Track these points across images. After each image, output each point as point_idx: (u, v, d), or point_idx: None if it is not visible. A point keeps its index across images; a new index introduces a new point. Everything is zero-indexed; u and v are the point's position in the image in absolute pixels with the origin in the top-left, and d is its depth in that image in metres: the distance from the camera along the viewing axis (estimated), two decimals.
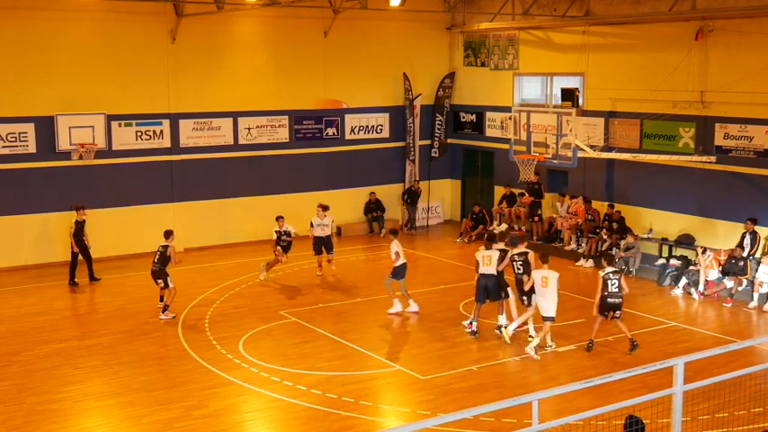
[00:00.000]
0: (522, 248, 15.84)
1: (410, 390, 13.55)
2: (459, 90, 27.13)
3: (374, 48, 25.76)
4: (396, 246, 17.03)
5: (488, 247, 15.92)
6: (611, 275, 14.82)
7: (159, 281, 17.38)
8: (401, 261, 16.95)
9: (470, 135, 26.97)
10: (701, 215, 20.47)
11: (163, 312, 17.22)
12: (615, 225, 21.44)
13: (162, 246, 17.33)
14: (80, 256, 19.95)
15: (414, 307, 17.42)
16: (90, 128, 21.65)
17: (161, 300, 17.57)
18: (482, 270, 15.74)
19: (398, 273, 17.09)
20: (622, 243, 21.02)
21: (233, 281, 20.13)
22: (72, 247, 19.85)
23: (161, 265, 17.25)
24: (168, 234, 17.57)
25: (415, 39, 26.46)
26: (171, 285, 17.33)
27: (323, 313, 17.57)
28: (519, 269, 15.55)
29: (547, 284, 14.72)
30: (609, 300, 14.87)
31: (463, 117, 27.15)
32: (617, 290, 14.87)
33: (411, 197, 26.03)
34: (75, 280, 19.96)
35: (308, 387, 13.44)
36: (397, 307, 17.34)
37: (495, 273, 15.64)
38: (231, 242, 23.82)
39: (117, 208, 22.49)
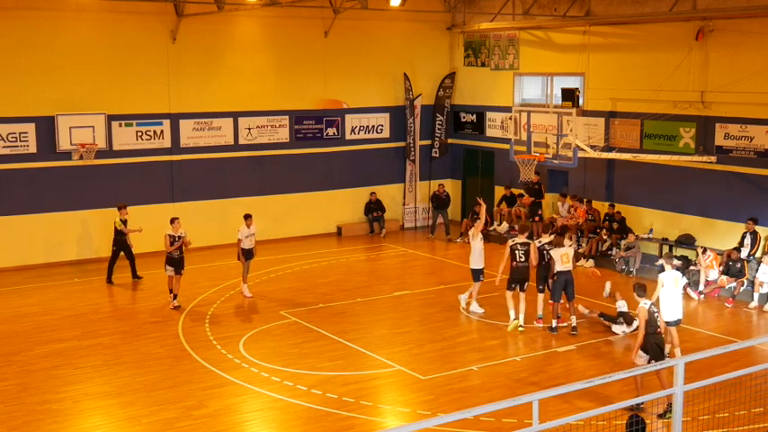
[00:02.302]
0: (523, 239, 16.47)
1: (410, 390, 13.54)
2: (459, 90, 27.12)
3: (374, 48, 25.76)
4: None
5: (563, 245, 16.14)
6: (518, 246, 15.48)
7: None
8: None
9: (471, 135, 26.97)
10: (702, 215, 20.46)
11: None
12: (616, 225, 21.46)
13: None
14: (122, 254, 20.09)
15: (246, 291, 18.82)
16: (90, 128, 21.65)
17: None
18: (561, 268, 15.90)
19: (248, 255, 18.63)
20: (623, 243, 21.03)
21: (233, 281, 20.09)
22: (113, 246, 19.95)
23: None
24: (174, 221, 18.49)
25: (415, 39, 26.45)
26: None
27: (323, 313, 17.57)
28: (521, 257, 16.18)
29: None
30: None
31: (463, 117, 27.15)
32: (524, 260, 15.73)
33: (437, 202, 25.58)
34: (112, 279, 20.11)
35: (308, 387, 13.44)
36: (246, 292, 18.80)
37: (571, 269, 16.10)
38: (231, 242, 23.68)
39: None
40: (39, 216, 21.60)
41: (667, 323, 14.11)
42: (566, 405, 11.66)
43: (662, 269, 14.50)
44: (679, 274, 14.49)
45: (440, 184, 25.97)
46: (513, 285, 16.28)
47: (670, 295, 13.97)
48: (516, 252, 16.19)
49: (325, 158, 25.44)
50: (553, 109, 22.51)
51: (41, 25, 21.08)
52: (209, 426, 12.14)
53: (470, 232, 17.65)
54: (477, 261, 17.26)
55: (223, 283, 19.91)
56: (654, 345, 12.38)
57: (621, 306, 16.20)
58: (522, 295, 16.20)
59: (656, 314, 12.67)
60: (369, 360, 14.85)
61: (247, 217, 18.77)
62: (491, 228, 24.86)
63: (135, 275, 20.29)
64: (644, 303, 12.54)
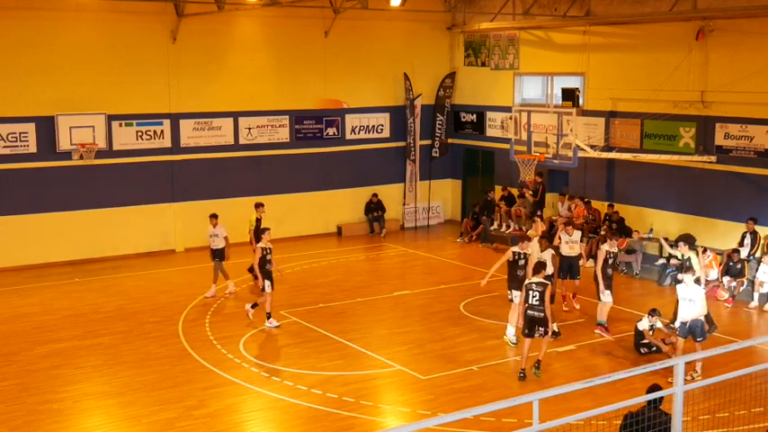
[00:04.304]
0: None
1: (410, 390, 13.55)
2: (459, 90, 27.12)
3: (375, 48, 25.75)
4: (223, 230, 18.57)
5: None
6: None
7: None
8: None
9: (471, 135, 26.97)
10: (702, 215, 20.46)
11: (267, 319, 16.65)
12: (615, 225, 21.45)
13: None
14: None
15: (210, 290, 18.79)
16: (90, 128, 21.65)
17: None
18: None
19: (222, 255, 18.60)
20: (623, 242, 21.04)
21: (233, 281, 20.10)
22: (252, 243, 19.33)
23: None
24: (265, 231, 16.96)
25: (415, 39, 26.45)
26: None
27: (323, 313, 17.56)
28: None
29: None
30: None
31: (464, 117, 27.14)
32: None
33: (488, 208, 24.51)
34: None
35: (308, 387, 13.45)
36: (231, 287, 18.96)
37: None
38: (231, 242, 23.71)
39: (117, 208, 22.49)
40: (39, 216, 21.59)
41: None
42: (566, 405, 11.66)
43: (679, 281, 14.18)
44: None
45: (490, 190, 25.12)
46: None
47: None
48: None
49: (325, 158, 25.44)
50: (553, 109, 22.51)
51: (41, 25, 21.08)
52: (210, 426, 12.15)
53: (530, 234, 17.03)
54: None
55: (223, 282, 19.88)
56: (527, 318, 13.64)
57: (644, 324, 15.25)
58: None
59: (532, 292, 13.49)
60: (369, 360, 14.86)
61: (211, 217, 18.71)
62: (491, 228, 24.86)
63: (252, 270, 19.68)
64: (527, 281, 13.90)
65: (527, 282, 13.79)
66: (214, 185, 23.74)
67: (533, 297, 13.55)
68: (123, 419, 12.44)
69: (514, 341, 15.31)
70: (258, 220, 19.60)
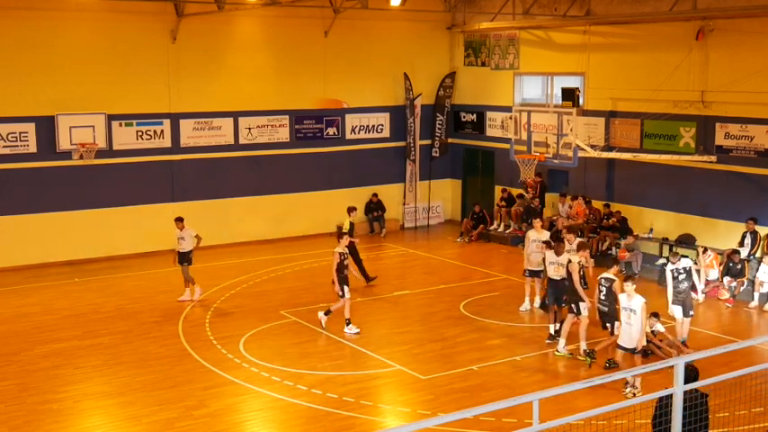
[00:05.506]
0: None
1: (410, 390, 13.55)
2: (459, 90, 27.12)
3: (375, 47, 25.75)
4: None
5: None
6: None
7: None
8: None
9: (471, 135, 26.97)
10: (702, 215, 20.46)
11: (347, 326, 16.13)
12: (618, 224, 21.47)
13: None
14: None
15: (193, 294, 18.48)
16: (90, 127, 21.65)
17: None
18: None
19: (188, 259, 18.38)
20: (622, 242, 21.03)
21: (233, 281, 20.12)
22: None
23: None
24: (342, 236, 16.57)
25: (415, 38, 26.45)
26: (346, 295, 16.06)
27: None
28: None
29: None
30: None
31: (464, 117, 27.14)
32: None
33: (531, 215, 22.43)
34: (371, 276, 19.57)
35: (308, 387, 13.45)
36: (187, 295, 18.42)
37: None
38: (231, 242, 23.82)
39: (117, 208, 22.49)
40: (38, 216, 21.59)
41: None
42: (566, 405, 11.66)
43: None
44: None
45: (533, 198, 23.59)
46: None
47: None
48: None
49: (325, 158, 25.44)
50: (553, 109, 22.51)
51: (41, 25, 21.07)
52: (210, 425, 12.15)
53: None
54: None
55: (223, 282, 19.91)
56: (598, 312, 14.28)
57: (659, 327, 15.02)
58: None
59: (600, 287, 14.02)
60: (369, 360, 14.85)
61: (177, 220, 18.61)
62: (491, 227, 24.87)
63: (367, 278, 19.52)
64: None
65: (600, 276, 14.22)
66: (214, 185, 23.74)
67: (601, 292, 14.02)
68: (123, 419, 12.44)
69: (564, 352, 14.87)
70: (351, 224, 19.20)
